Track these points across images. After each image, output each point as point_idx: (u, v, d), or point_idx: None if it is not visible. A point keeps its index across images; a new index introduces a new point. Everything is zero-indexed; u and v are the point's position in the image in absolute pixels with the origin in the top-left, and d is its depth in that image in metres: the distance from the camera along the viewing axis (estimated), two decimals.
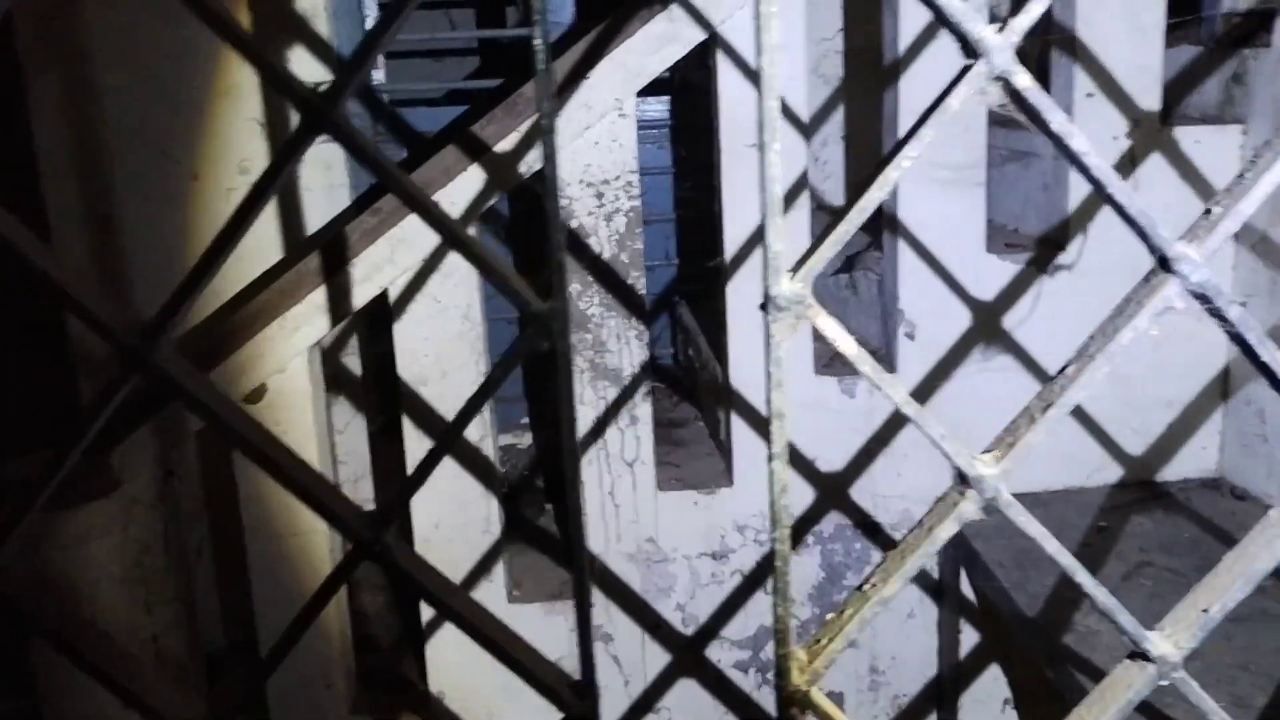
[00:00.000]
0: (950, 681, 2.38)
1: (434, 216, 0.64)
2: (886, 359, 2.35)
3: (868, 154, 3.13)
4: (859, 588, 0.74)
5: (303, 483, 0.67)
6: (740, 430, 2.28)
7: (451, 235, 0.64)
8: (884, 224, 2.31)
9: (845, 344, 0.69)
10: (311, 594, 0.70)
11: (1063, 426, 2.25)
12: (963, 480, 0.72)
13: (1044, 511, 2.21)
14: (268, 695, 2.13)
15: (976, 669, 2.39)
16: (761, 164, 0.68)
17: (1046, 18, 2.28)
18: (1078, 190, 2.27)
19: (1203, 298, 0.68)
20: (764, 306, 0.71)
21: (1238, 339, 0.69)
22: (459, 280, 2.11)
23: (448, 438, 0.72)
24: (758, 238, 2.19)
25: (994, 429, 0.74)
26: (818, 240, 0.70)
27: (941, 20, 0.65)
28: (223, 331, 2.00)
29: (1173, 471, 2.32)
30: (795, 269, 0.70)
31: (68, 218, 2.29)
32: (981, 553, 2.07)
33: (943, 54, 2.16)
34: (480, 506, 2.18)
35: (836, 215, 0.72)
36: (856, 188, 0.71)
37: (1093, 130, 2.20)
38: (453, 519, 2.18)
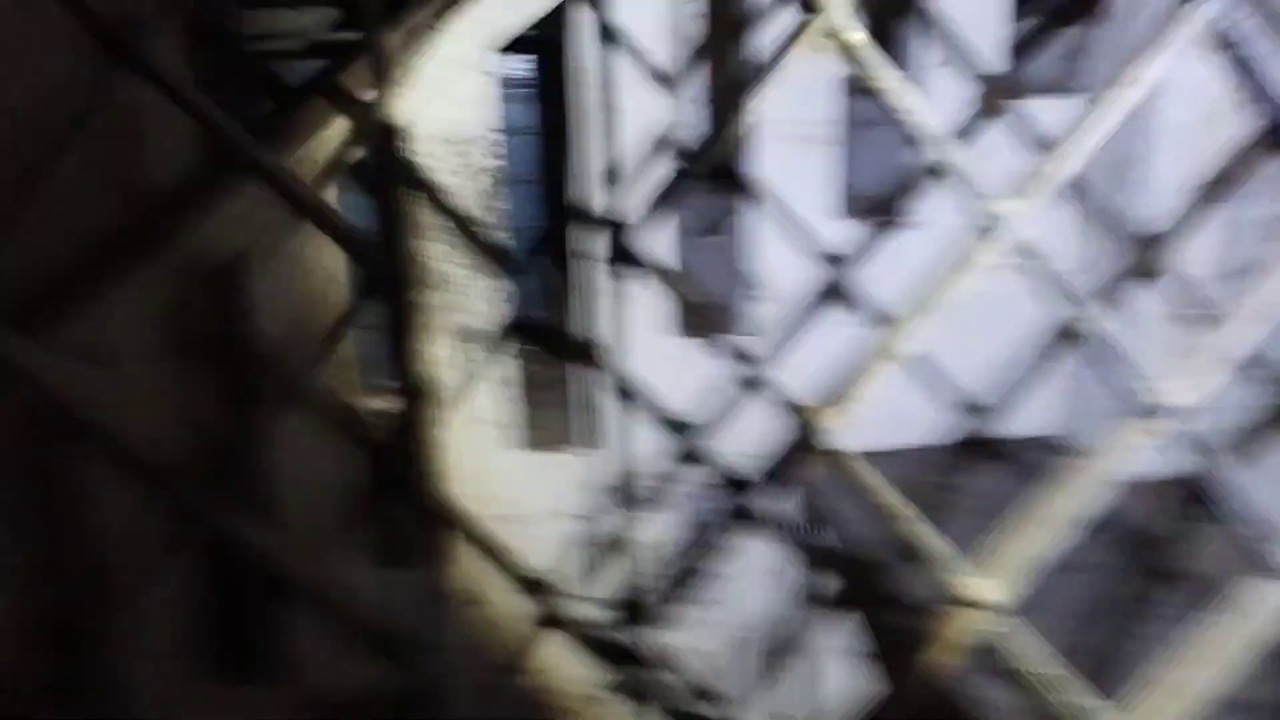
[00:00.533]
0: (810, 635, 2.44)
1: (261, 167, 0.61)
2: (748, 318, 2.38)
3: (730, 111, 3.14)
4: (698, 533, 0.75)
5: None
6: (608, 391, 2.29)
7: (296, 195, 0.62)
8: (740, 188, 2.34)
9: (690, 293, 0.70)
10: None
11: (910, 388, 2.33)
12: (806, 430, 0.73)
13: (892, 468, 2.28)
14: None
15: (837, 619, 2.45)
16: (607, 126, 0.67)
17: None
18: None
19: (1029, 252, 0.71)
20: (611, 262, 0.70)
21: (1063, 294, 0.72)
22: (322, 242, 2.05)
23: (299, 393, 0.70)
24: (619, 198, 2.19)
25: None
26: (660, 199, 0.70)
27: None
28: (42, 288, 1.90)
29: (1014, 429, 2.42)
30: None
31: None
32: (835, 510, 2.13)
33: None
34: (345, 468, 2.13)
35: (683, 173, 0.72)
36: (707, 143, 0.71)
37: (945, 97, 2.26)
38: (318, 480, 2.13)
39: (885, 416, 2.31)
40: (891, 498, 0.70)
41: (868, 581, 1.99)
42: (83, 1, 0.51)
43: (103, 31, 0.50)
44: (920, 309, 0.70)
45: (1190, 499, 2.13)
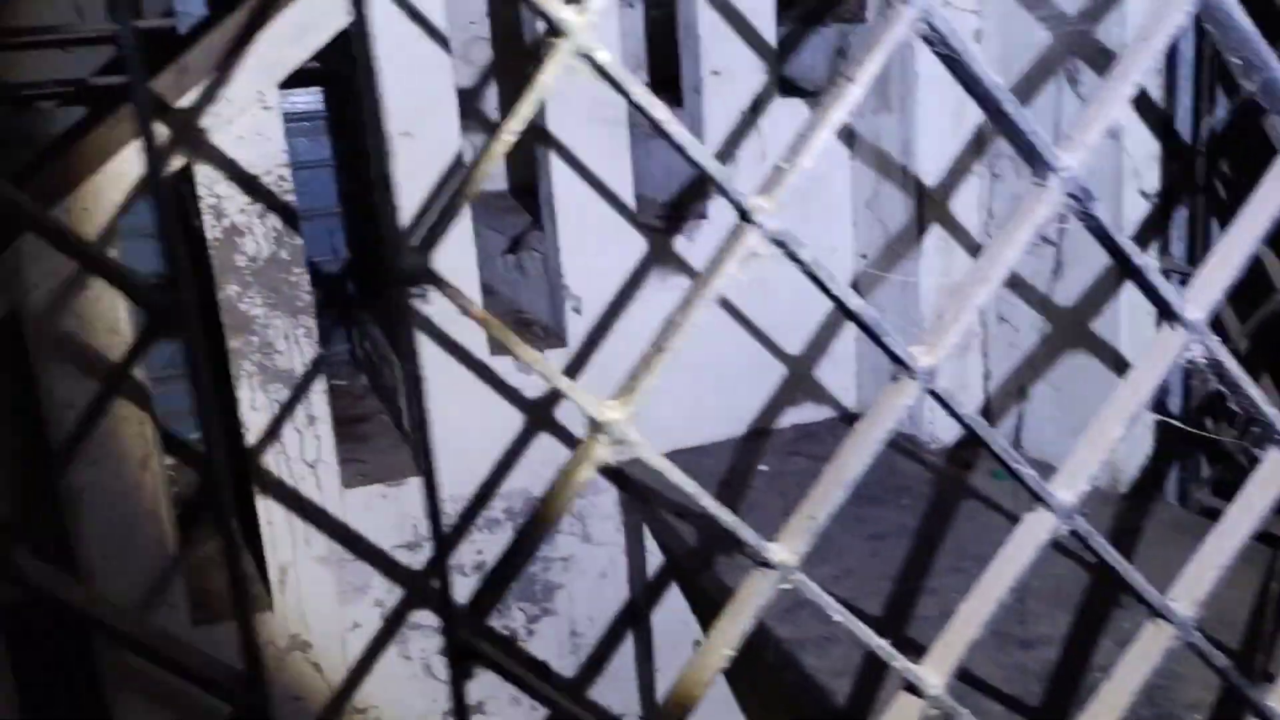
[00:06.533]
0: (645, 630, 2.51)
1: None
2: (558, 333, 2.43)
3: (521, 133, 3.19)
4: (515, 537, 0.79)
5: None
6: (416, 420, 2.29)
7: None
8: (542, 204, 2.39)
9: (474, 310, 0.74)
10: None
11: (715, 384, 2.43)
12: (595, 427, 0.78)
13: (711, 461, 2.38)
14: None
15: (668, 614, 2.53)
16: (389, 153, 0.70)
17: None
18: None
19: (779, 243, 0.78)
20: (393, 284, 0.73)
21: (813, 278, 0.80)
22: (101, 293, 1.98)
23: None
24: (418, 224, 2.21)
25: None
26: (442, 216, 0.74)
27: (529, 6, 0.70)
28: None
29: (816, 413, 2.57)
30: (423, 245, 0.73)
31: None
32: (654, 509, 2.21)
33: None
34: (151, 528, 2.07)
35: (456, 194, 0.76)
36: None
37: (719, 104, 2.39)
38: (121, 543, 2.05)
39: (698, 412, 2.42)
40: (678, 475, 0.76)
41: (692, 570, 2.06)
42: None
43: None
44: (688, 304, 0.76)
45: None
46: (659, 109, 0.75)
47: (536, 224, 2.53)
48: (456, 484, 2.33)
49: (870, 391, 2.53)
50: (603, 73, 0.74)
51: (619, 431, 0.78)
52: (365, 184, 2.37)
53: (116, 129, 1.97)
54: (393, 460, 2.46)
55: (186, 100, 1.98)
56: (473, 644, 0.79)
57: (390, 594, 2.35)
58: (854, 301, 0.81)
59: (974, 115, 2.24)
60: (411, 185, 2.19)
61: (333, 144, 2.94)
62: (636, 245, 2.39)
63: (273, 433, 2.19)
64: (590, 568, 2.46)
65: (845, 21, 2.31)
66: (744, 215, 0.77)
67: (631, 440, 0.79)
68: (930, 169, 2.32)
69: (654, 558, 2.46)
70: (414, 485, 2.34)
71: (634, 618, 2.52)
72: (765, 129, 2.45)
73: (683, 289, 2.36)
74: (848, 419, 2.55)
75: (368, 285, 3.00)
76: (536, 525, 0.83)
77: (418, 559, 2.34)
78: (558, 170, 2.31)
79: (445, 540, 2.27)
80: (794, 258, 0.78)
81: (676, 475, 0.80)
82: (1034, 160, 0.81)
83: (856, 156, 2.47)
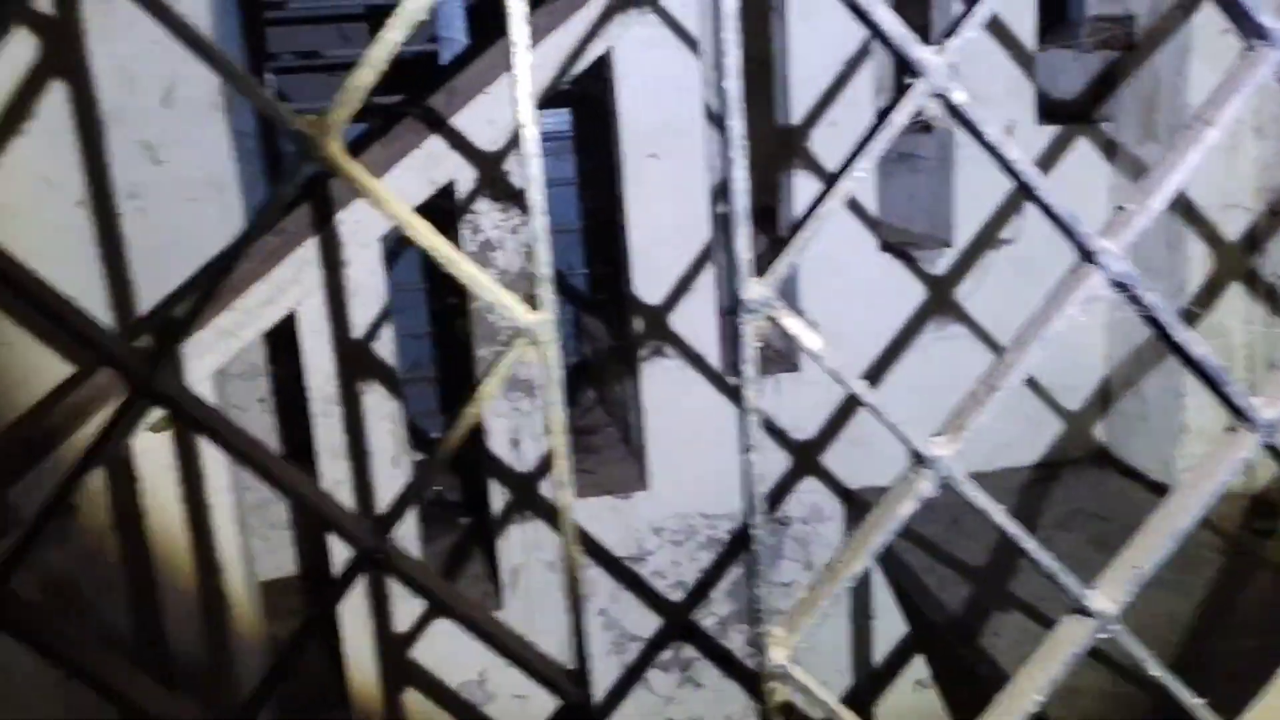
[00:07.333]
0: (863, 666, 2.47)
1: (427, 239, 0.67)
2: (789, 356, 2.44)
3: (757, 160, 3.22)
4: (829, 565, 0.80)
5: (305, 494, 0.69)
6: (653, 435, 2.33)
7: (448, 258, 0.68)
8: (783, 227, 2.41)
9: (811, 341, 0.75)
10: (228, 622, 0.72)
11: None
12: (919, 461, 0.78)
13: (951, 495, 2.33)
14: None
15: (888, 651, 2.49)
16: (729, 178, 0.73)
17: (926, 26, 2.41)
18: (967, 189, 2.39)
19: (1122, 286, 0.76)
20: (732, 311, 0.76)
21: (1152, 322, 0.77)
22: (366, 298, 2.11)
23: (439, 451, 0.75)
24: (659, 246, 2.25)
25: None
26: (783, 247, 0.76)
27: (885, 44, 0.72)
28: None
29: (1064, 452, 2.47)
30: (762, 274, 0.75)
31: None
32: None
33: (830, 65, 2.27)
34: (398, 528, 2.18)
35: (795, 225, 0.78)
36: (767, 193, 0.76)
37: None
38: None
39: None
40: (1000, 516, 0.75)
41: (931, 613, 2.02)
42: (280, 114, 0.58)
43: (299, 136, 0.56)
44: (1023, 343, 0.75)
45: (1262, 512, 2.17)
46: (1011, 148, 0.75)
47: (774, 245, 2.54)
48: (682, 501, 2.37)
49: (1120, 437, 2.42)
50: (955, 112, 0.75)
51: (944, 468, 0.79)
52: (607, 202, 2.44)
53: (392, 145, 2.10)
54: (621, 473, 2.51)
55: (456, 121, 2.09)
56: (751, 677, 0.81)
57: (614, 603, 2.40)
58: (1197, 349, 0.78)
59: (1253, 150, 2.11)
60: (656, 206, 2.24)
61: (576, 162, 3.05)
62: (876, 269, 2.37)
63: (513, 440, 2.28)
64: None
65: (1110, 48, 2.22)
66: (1088, 256, 0.76)
67: (957, 478, 0.79)
68: (1197, 204, 2.20)
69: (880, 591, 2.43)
70: (641, 499, 2.38)
71: (854, 651, 2.49)
72: (1010, 159, 2.39)
73: (918, 313, 2.37)
74: (1091, 462, 2.44)
75: (602, 300, 3.09)
76: (850, 554, 0.83)
77: (643, 571, 2.38)
78: (801, 192, 2.32)
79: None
80: (1137, 301, 0.77)
81: (999, 516, 0.79)
82: None
83: (1113, 187, 2.38)
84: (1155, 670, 0.83)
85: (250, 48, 2.81)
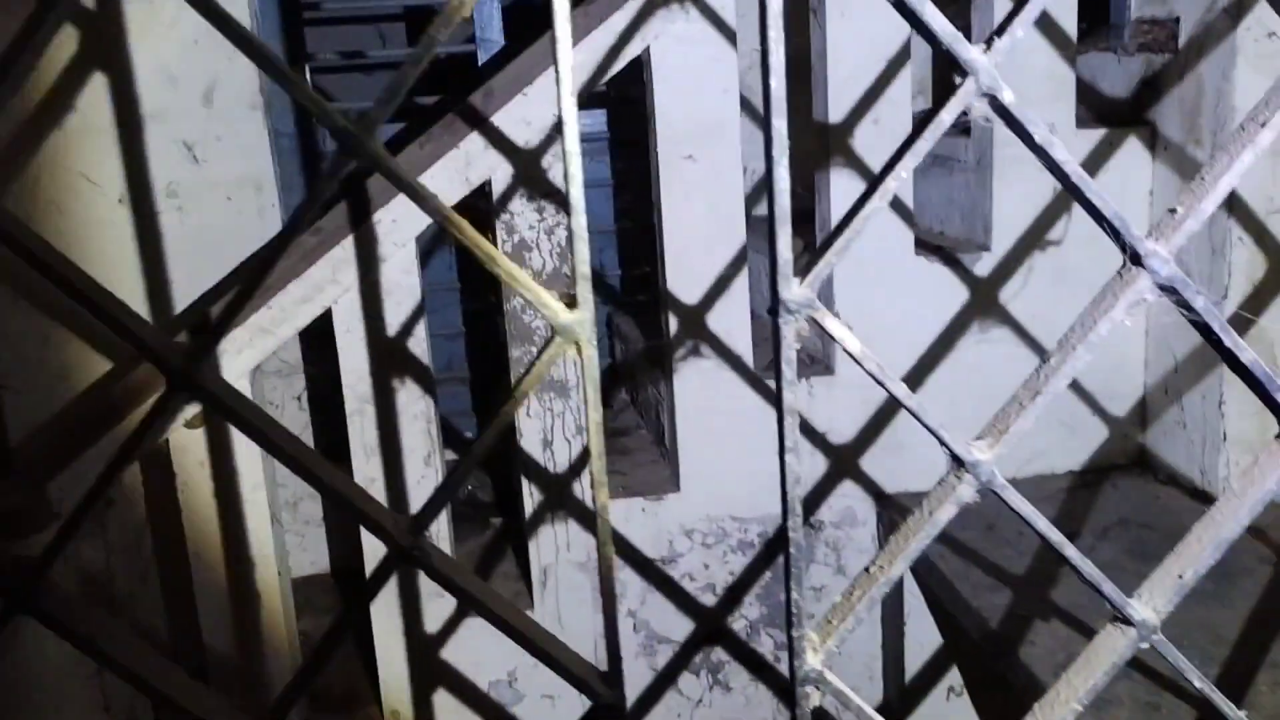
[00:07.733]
0: (895, 673, 2.46)
1: (468, 237, 0.67)
2: (825, 360, 2.42)
3: (795, 157, 3.21)
4: (865, 570, 0.79)
5: (342, 491, 0.69)
6: (685, 437, 2.33)
7: (488, 255, 0.67)
8: (819, 230, 2.39)
9: (852, 343, 0.74)
10: (260, 619, 0.72)
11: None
12: (959, 465, 0.77)
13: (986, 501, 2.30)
14: None
15: (920, 658, 2.47)
16: (771, 178, 0.72)
17: (967, 27, 2.39)
18: (1007, 192, 2.37)
19: (1170, 290, 0.75)
20: (773, 311, 0.75)
21: (1202, 328, 0.76)
22: (401, 297, 2.12)
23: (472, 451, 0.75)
24: (694, 246, 2.24)
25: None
26: (821, 247, 0.75)
27: (933, 44, 0.71)
28: None
29: (1101, 460, 2.44)
30: (803, 274, 0.74)
31: None
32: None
33: (870, 63, 2.25)
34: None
35: (838, 226, 0.77)
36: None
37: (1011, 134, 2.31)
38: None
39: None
40: (1042, 523, 0.74)
41: (965, 622, 2.00)
42: (326, 112, 0.58)
43: (343, 132, 0.56)
44: (1069, 347, 0.74)
45: None
46: (1059, 149, 0.74)
47: (809, 249, 2.53)
48: (713, 504, 2.36)
49: (1160, 445, 2.38)
50: (1005, 113, 0.74)
51: (985, 472, 0.77)
52: (643, 204, 2.44)
53: (429, 145, 2.11)
54: (652, 475, 2.51)
55: (493, 121, 2.10)
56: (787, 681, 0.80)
57: (643, 605, 2.40)
58: (1246, 355, 0.77)
59: None
60: (692, 207, 2.24)
61: (611, 164, 3.05)
62: (913, 271, 2.35)
63: (545, 441, 2.28)
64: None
65: (1153, 51, 2.19)
66: (1136, 259, 0.75)
67: (998, 483, 0.77)
68: (1243, 208, 2.17)
69: (912, 597, 2.41)
70: (672, 500, 2.38)
71: (885, 659, 2.48)
72: (1059, 159, 2.36)
73: (958, 315, 2.35)
74: (1130, 469, 2.41)
75: (637, 302, 3.09)
76: (887, 559, 0.82)
77: (673, 573, 2.38)
78: (839, 191, 2.31)
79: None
80: (1186, 306, 0.75)
81: (1041, 524, 0.78)
82: None
83: (1154, 191, 2.35)
84: (1197, 682, 0.81)
85: (288, 48, 2.83)
